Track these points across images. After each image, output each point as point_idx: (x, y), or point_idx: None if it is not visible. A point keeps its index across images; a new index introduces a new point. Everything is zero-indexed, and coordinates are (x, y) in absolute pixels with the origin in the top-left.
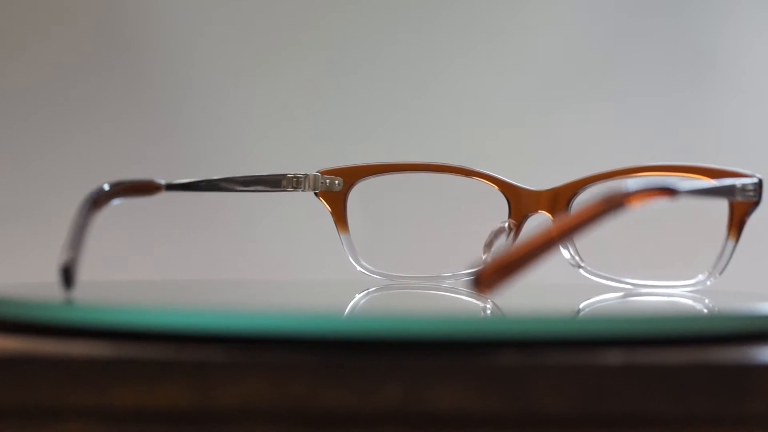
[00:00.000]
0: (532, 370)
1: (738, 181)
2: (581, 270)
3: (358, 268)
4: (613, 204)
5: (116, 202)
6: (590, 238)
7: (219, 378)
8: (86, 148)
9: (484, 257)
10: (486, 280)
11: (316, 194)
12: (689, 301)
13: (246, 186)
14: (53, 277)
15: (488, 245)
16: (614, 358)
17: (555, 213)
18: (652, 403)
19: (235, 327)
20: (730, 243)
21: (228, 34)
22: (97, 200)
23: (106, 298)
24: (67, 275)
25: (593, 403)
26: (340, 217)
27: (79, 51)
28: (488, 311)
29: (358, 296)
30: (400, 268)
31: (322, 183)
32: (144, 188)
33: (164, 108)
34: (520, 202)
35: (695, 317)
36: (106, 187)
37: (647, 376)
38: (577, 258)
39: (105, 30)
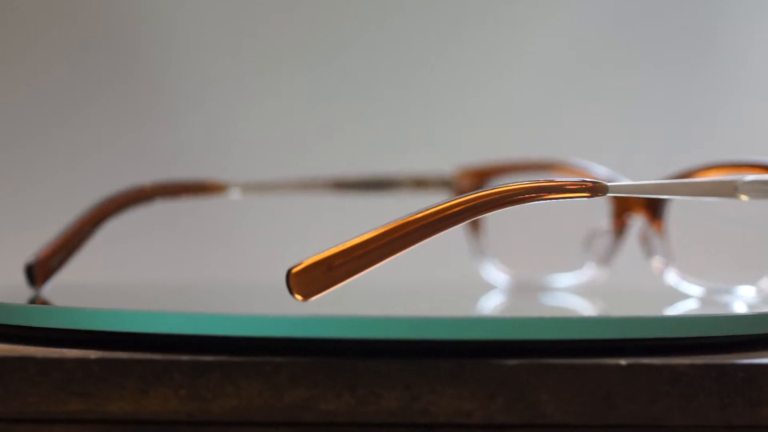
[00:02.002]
0: (537, 374)
1: None
2: (669, 272)
3: (488, 270)
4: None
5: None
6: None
7: (214, 384)
8: (86, 147)
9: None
10: (298, 283)
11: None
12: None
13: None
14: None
15: (588, 246)
16: (622, 362)
17: (652, 215)
18: (660, 410)
19: (231, 332)
20: None
21: (228, 34)
22: (139, 197)
23: (99, 303)
24: (30, 274)
25: (600, 410)
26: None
27: (78, 51)
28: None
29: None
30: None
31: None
32: (207, 189)
33: (164, 108)
34: (625, 201)
35: (703, 320)
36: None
37: (656, 382)
38: (664, 259)
39: (105, 30)
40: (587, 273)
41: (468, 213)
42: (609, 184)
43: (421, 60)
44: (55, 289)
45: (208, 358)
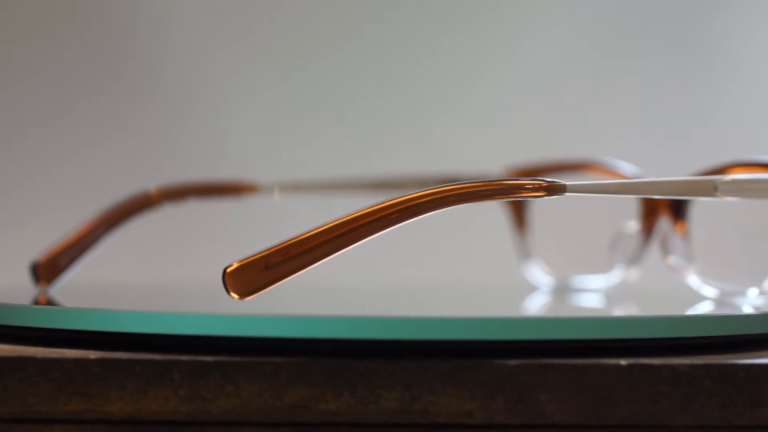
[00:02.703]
0: (537, 374)
1: None
2: (688, 274)
3: (533, 272)
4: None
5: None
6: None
7: (214, 384)
8: (85, 148)
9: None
10: (234, 282)
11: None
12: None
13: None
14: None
15: (617, 248)
16: (622, 362)
17: (675, 216)
18: (661, 410)
19: (231, 332)
20: None
21: (228, 34)
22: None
23: (99, 303)
24: (35, 273)
25: (600, 410)
26: (521, 218)
27: (78, 51)
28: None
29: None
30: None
31: None
32: (239, 189)
33: (164, 108)
34: (651, 203)
35: (703, 319)
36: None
37: (656, 382)
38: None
39: (104, 30)
40: (617, 275)
41: (415, 211)
42: (568, 183)
43: (421, 60)
44: (57, 289)
45: (208, 358)
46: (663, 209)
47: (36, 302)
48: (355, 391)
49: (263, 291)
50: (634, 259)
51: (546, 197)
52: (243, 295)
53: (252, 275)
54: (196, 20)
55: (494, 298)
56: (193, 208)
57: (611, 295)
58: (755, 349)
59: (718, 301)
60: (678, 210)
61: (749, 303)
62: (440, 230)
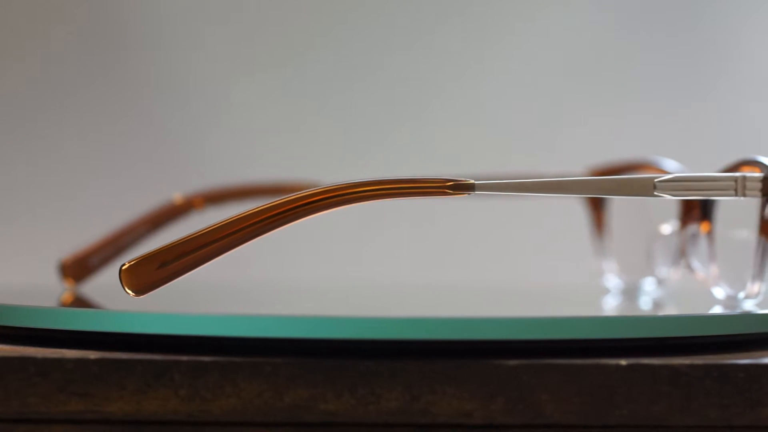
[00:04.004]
0: (537, 374)
1: None
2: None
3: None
4: None
5: None
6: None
7: (214, 384)
8: (85, 148)
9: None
10: (130, 279)
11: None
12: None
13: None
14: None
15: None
16: (622, 362)
17: (702, 217)
18: (661, 410)
19: (231, 332)
20: None
21: (228, 34)
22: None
23: (100, 304)
24: (63, 271)
25: (600, 410)
26: (600, 218)
27: (78, 51)
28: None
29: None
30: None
31: None
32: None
33: (164, 109)
34: (687, 203)
35: (703, 319)
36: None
37: (656, 382)
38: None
39: (103, 30)
40: (663, 275)
41: (310, 209)
42: (476, 182)
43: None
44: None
45: (208, 358)
46: (695, 210)
47: (62, 301)
48: (355, 391)
49: (158, 288)
50: (674, 260)
51: (453, 196)
52: (138, 292)
53: (147, 273)
54: (193, 20)
55: (561, 300)
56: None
57: (656, 296)
58: (755, 349)
59: (722, 301)
60: (705, 210)
61: (750, 303)
62: (517, 230)
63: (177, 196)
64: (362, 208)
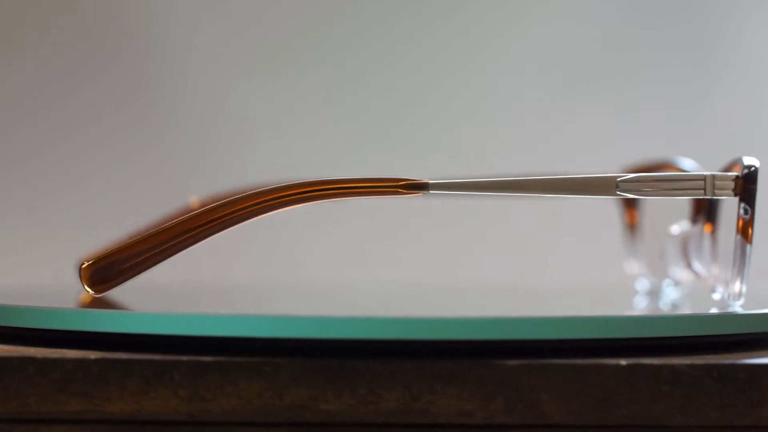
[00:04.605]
0: (537, 374)
1: None
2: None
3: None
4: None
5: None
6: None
7: (214, 384)
8: (85, 148)
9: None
10: (89, 277)
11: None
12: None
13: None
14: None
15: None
16: (622, 362)
17: (707, 217)
18: (661, 410)
19: (231, 332)
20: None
21: (228, 34)
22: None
23: (99, 304)
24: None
25: (600, 410)
26: (632, 218)
27: (78, 51)
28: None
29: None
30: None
31: None
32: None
33: (164, 108)
34: (703, 203)
35: (703, 319)
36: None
37: (656, 382)
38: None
39: (103, 30)
40: (677, 276)
41: (264, 208)
42: (430, 182)
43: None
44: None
45: (208, 358)
46: (702, 212)
47: (81, 302)
48: (355, 391)
49: (116, 286)
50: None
51: (406, 195)
52: (97, 290)
53: (105, 271)
54: (193, 20)
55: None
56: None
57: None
58: (755, 349)
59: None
60: (710, 211)
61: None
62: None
63: (193, 199)
64: (363, 207)
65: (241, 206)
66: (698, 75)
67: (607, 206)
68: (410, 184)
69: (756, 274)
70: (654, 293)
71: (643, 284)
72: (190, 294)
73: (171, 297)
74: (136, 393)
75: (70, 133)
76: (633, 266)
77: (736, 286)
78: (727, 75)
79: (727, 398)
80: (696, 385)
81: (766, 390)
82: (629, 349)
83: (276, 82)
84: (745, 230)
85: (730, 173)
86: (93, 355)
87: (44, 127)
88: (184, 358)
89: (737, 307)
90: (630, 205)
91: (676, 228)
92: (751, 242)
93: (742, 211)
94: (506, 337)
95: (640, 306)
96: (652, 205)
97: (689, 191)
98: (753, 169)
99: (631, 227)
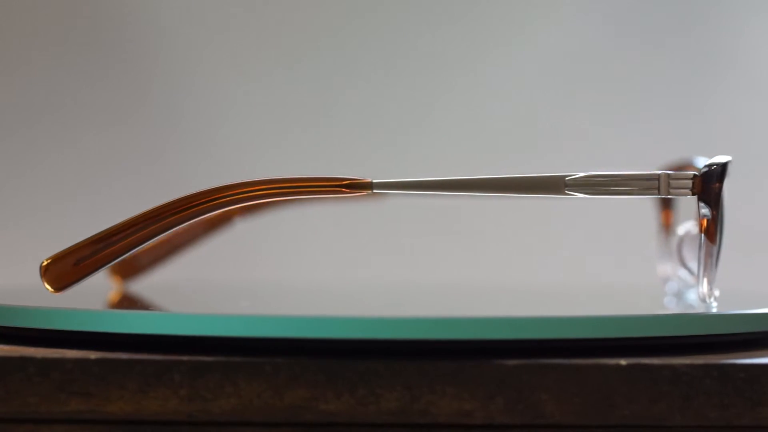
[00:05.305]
0: (537, 374)
1: None
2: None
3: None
4: None
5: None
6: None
7: (214, 384)
8: (85, 148)
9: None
10: (50, 275)
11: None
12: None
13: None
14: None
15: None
16: (622, 362)
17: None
18: (661, 410)
19: (231, 332)
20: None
21: (228, 34)
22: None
23: (99, 304)
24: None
25: (600, 410)
26: (668, 219)
27: (78, 51)
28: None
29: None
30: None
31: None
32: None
33: (164, 108)
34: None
35: (703, 319)
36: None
37: (656, 382)
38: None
39: (104, 29)
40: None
41: (206, 208)
42: (374, 181)
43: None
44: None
45: (208, 358)
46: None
47: (110, 301)
48: (355, 391)
49: (77, 284)
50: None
51: (350, 195)
52: (58, 288)
53: (65, 269)
54: (193, 20)
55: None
56: None
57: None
58: (755, 349)
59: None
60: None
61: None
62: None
63: None
64: (364, 207)
65: (180, 207)
66: (698, 75)
67: (610, 207)
68: (353, 183)
69: (756, 274)
70: (679, 295)
71: (671, 286)
72: (190, 294)
73: (171, 297)
74: (136, 393)
75: (71, 133)
76: (665, 268)
77: (704, 287)
78: (728, 75)
79: (727, 398)
80: (696, 385)
81: (766, 390)
82: (629, 349)
83: (276, 82)
84: (708, 230)
85: (686, 172)
86: (93, 355)
87: (45, 127)
88: (184, 358)
89: (713, 309)
90: (666, 205)
91: (682, 228)
92: (715, 242)
93: (703, 211)
94: (506, 337)
95: (640, 306)
96: (686, 205)
97: (642, 191)
98: (714, 167)
99: (666, 228)
